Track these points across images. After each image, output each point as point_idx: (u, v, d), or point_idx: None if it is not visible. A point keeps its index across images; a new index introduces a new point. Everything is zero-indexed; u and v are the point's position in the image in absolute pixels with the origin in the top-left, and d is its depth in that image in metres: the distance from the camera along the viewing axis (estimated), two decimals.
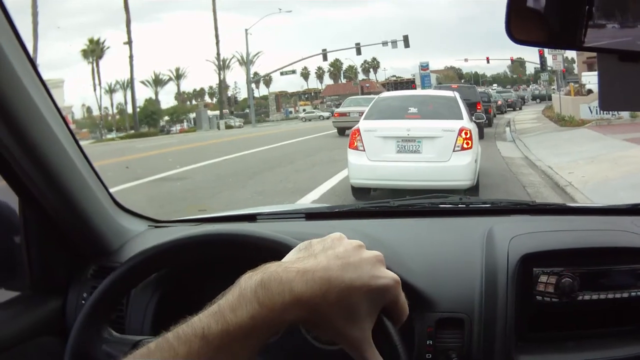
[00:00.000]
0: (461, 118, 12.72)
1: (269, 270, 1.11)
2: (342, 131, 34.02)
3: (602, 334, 2.07)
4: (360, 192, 12.86)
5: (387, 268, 1.21)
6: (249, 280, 1.10)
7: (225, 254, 1.92)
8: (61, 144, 2.06)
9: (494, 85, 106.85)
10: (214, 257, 2.07)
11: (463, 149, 11.80)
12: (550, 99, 60.08)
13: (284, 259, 1.21)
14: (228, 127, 76.96)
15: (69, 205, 2.19)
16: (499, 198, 3.08)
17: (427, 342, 1.96)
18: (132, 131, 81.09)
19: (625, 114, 29.05)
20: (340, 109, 37.04)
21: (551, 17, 1.53)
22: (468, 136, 11.86)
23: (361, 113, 30.01)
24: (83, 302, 2.29)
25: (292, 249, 1.27)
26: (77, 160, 2.16)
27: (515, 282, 2.00)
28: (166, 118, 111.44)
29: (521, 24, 1.55)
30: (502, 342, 1.95)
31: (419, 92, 20.95)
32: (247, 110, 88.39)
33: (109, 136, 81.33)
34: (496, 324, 1.95)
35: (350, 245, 1.20)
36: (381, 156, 12.25)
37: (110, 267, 2.29)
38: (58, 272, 2.38)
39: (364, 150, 12.39)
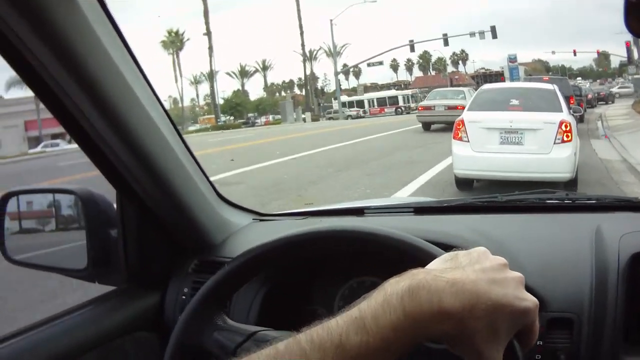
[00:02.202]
0: (561, 111, 12.77)
1: (417, 277, 1.06)
2: (426, 126, 32.74)
3: None
4: (463, 183, 13.12)
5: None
6: (396, 285, 1.05)
7: (343, 250, 1.93)
8: (162, 134, 2.02)
9: (579, 78, 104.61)
10: (327, 253, 2.08)
11: (563, 141, 11.89)
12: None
13: (430, 267, 1.16)
14: (315, 119, 76.77)
15: (171, 198, 2.16)
16: (602, 194, 2.76)
17: (538, 343, 1.83)
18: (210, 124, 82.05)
19: None
20: (425, 102, 34.98)
21: None
22: (568, 129, 11.96)
23: (447, 107, 30.90)
24: (183, 297, 2.28)
25: (435, 257, 1.24)
26: (179, 152, 2.12)
27: (626, 281, 1.88)
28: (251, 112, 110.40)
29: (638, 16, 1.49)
30: (609, 343, 1.84)
31: (518, 84, 20.75)
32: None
33: (191, 128, 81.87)
34: (605, 325, 1.84)
35: (495, 262, 1.15)
36: (485, 147, 12.40)
37: (213, 261, 2.32)
38: (157, 267, 2.35)
39: (469, 141, 12.58)
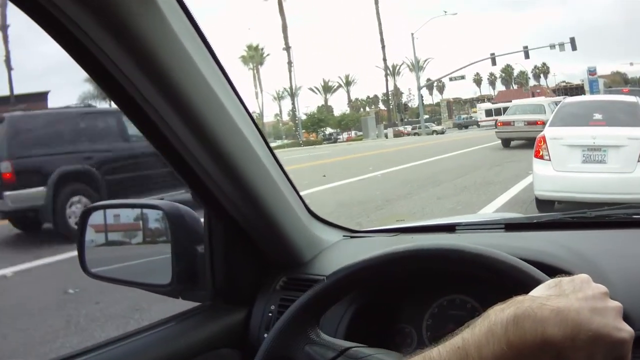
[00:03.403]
0: None
1: (522, 305, 1.05)
2: (506, 142, 31.81)
3: None
4: (544, 204, 12.26)
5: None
6: (500, 313, 1.05)
7: (439, 269, 1.91)
8: (253, 149, 2.02)
9: None
10: (417, 272, 2.07)
11: None
12: None
13: (533, 293, 1.16)
14: (397, 135, 75.78)
15: (261, 214, 2.16)
16: None
17: None
18: (287, 140, 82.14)
19: None
20: (504, 117, 34.02)
21: None
22: None
23: (527, 122, 30.12)
24: (270, 314, 2.27)
25: (539, 283, 1.22)
26: (269, 167, 2.12)
27: None
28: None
29: None
30: None
31: (600, 97, 19.83)
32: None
33: (272, 144, 77.34)
34: None
35: (597, 290, 1.14)
36: (567, 166, 11.76)
37: (302, 279, 2.31)
38: (243, 283, 2.36)
39: (550, 160, 11.98)
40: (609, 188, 10.96)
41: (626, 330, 1.10)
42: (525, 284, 1.31)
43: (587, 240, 2.35)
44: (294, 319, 1.75)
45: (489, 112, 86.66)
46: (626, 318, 1.44)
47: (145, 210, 2.34)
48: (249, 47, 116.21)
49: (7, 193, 13.43)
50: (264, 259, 2.35)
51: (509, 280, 1.53)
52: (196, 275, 2.26)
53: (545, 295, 1.12)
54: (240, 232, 2.22)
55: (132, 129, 15.05)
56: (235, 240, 2.26)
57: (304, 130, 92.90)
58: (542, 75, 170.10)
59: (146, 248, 2.38)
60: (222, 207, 2.13)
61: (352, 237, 2.67)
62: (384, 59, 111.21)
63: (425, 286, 2.26)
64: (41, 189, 13.89)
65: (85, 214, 2.30)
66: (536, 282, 1.26)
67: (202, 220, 2.25)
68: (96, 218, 2.32)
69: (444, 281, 2.19)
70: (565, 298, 1.09)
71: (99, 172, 14.98)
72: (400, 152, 33.75)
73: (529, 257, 1.82)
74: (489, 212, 13.04)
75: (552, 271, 1.35)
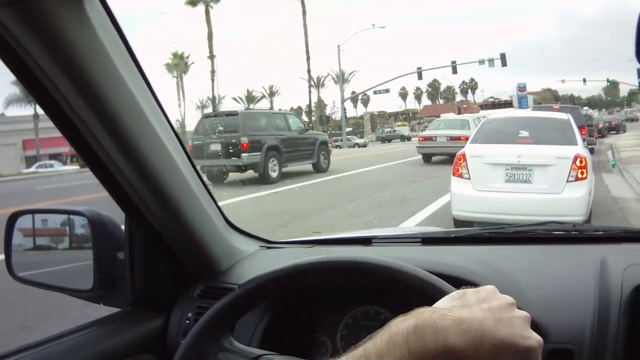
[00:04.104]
0: (575, 144, 11.68)
1: (423, 316, 1.11)
2: (427, 158, 32.51)
3: None
4: (463, 225, 11.59)
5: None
6: (401, 324, 1.10)
7: (350, 281, 1.95)
8: (172, 158, 2.10)
9: (585, 107, 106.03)
10: (331, 283, 2.13)
11: (577, 179, 10.80)
12: None
13: (437, 305, 1.22)
14: None
15: (179, 222, 2.24)
16: (610, 225, 2.97)
17: None
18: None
19: None
20: (426, 132, 34.58)
21: None
22: (583, 164, 10.87)
23: (450, 138, 30.38)
24: (187, 321, 2.35)
25: (445, 294, 1.29)
26: (188, 176, 2.20)
27: (628, 313, 1.94)
28: None
29: None
30: None
31: (530, 113, 19.34)
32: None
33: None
34: (605, 356, 1.89)
35: (503, 301, 1.19)
36: (488, 185, 11.44)
37: (219, 287, 2.38)
38: (162, 290, 2.44)
39: (469, 179, 11.58)
40: (534, 209, 10.67)
41: (533, 339, 1.17)
42: (431, 296, 1.41)
43: (503, 255, 2.46)
44: (206, 327, 1.82)
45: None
46: (540, 330, 1.72)
47: (71, 217, 2.39)
48: (174, 55, 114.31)
49: (243, 154, 24.86)
50: (183, 267, 2.45)
51: (415, 292, 1.62)
52: (117, 282, 2.32)
53: (449, 306, 1.18)
54: (160, 240, 2.31)
55: (293, 124, 29.75)
56: (155, 248, 2.34)
57: None
58: (469, 91, 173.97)
59: (72, 253, 2.44)
60: (142, 215, 2.23)
61: (268, 247, 2.80)
62: (309, 71, 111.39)
63: (341, 297, 2.35)
64: (258, 153, 25.40)
65: (13, 218, 2.37)
66: (442, 294, 1.34)
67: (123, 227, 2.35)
68: (25, 222, 2.39)
69: (359, 292, 2.30)
70: (469, 309, 1.14)
71: (281, 146, 27.09)
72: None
73: (442, 270, 2.01)
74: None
75: (466, 285, 1.35)
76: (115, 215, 2.32)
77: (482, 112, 42.04)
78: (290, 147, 27.92)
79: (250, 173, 25.89)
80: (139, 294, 2.35)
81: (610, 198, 16.81)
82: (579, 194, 10.69)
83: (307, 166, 29.25)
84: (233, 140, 24.90)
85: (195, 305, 2.38)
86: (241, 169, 25.35)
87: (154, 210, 2.19)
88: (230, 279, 2.44)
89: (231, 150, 24.84)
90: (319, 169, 29.46)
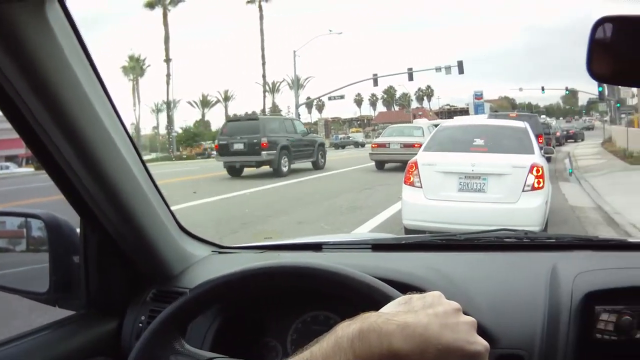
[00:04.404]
0: (532, 152, 11.65)
1: (368, 320, 1.13)
2: (380, 165, 33.27)
3: None
4: (414, 234, 11.05)
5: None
6: (347, 329, 1.12)
7: (298, 286, 1.98)
8: (127, 163, 2.12)
9: (543, 115, 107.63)
10: (282, 288, 2.18)
11: (534, 188, 10.71)
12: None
13: (383, 310, 1.24)
14: None
15: (132, 226, 2.27)
16: (562, 233, 3.10)
17: None
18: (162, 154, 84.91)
19: None
20: (379, 139, 35.62)
21: (630, 55, 1.63)
22: (540, 174, 10.80)
23: (404, 144, 30.96)
24: (140, 324, 2.39)
25: (391, 299, 1.31)
26: (142, 181, 2.23)
27: (578, 320, 1.99)
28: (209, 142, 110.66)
29: (601, 62, 1.66)
30: None
31: (485, 121, 19.13)
32: None
33: (146, 157, 77.69)
34: None
35: (449, 307, 1.21)
36: (440, 194, 11.30)
37: (171, 291, 2.43)
38: (116, 293, 2.46)
39: (421, 187, 11.43)
40: (488, 219, 10.30)
41: (480, 344, 1.18)
42: (378, 301, 1.45)
43: (454, 262, 2.50)
44: (158, 331, 1.84)
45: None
46: (489, 336, 1.91)
47: (28, 219, 2.39)
48: (130, 58, 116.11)
49: (263, 152, 30.36)
50: (136, 270, 2.49)
51: (363, 298, 1.64)
52: (72, 285, 2.34)
53: (394, 311, 1.20)
54: (114, 243, 2.35)
55: (298, 128, 35.54)
56: (109, 252, 2.38)
57: (185, 145, 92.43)
58: (425, 98, 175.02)
59: (28, 256, 2.44)
60: (97, 218, 2.25)
61: (220, 252, 2.83)
62: (264, 76, 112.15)
63: (291, 302, 2.39)
64: (274, 151, 30.85)
65: None
66: (388, 299, 1.36)
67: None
68: None
69: (309, 298, 2.33)
70: (414, 314, 1.16)
71: (290, 146, 32.48)
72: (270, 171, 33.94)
73: (391, 277, 2.07)
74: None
75: (414, 291, 1.35)
76: (72, 218, 2.34)
77: (437, 121, 42.45)
78: (296, 147, 33.53)
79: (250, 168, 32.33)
80: (93, 297, 2.39)
81: (568, 207, 16.95)
82: (535, 204, 10.66)
83: (307, 164, 34.84)
84: (254, 140, 30.71)
85: (148, 308, 2.43)
86: (259, 164, 31.61)
87: (107, 214, 2.23)
88: (182, 283, 2.50)
89: (255, 148, 30.64)
90: (317, 167, 35.57)
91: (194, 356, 1.83)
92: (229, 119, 42.14)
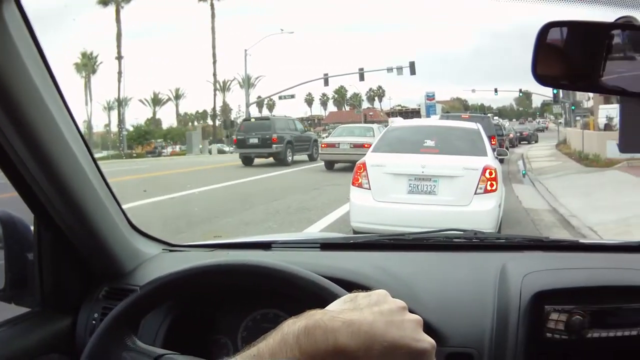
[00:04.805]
0: (485, 154, 11.58)
1: (313, 317, 1.15)
2: (329, 165, 33.76)
3: None
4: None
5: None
6: (292, 325, 1.14)
7: (247, 284, 2.03)
8: (79, 161, 2.18)
9: (496, 117, 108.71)
10: (232, 286, 2.21)
11: (487, 191, 10.60)
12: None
13: (329, 308, 1.26)
14: (220, 152, 75.70)
15: (84, 224, 2.32)
16: (512, 234, 3.27)
17: None
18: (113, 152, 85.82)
19: None
20: (329, 139, 36.70)
21: (575, 60, 1.74)
22: (493, 176, 10.68)
23: (353, 145, 31.21)
24: (93, 321, 2.44)
25: (337, 297, 1.34)
26: (93, 179, 2.29)
27: (527, 319, 2.08)
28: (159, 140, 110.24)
29: (547, 67, 1.73)
30: None
31: (437, 122, 19.03)
32: None
33: (98, 155, 78.16)
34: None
35: (394, 305, 1.23)
36: (389, 196, 11.11)
37: (123, 289, 2.49)
38: (70, 291, 2.51)
39: (370, 189, 11.25)
40: (439, 223, 9.23)
41: (426, 341, 1.20)
42: (323, 299, 1.48)
43: (402, 261, 2.57)
44: (110, 328, 1.87)
45: None
46: (437, 334, 2.01)
47: None
48: (83, 55, 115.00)
49: (274, 145, 37.57)
50: (89, 268, 2.54)
51: (310, 296, 1.67)
52: (27, 282, 2.38)
53: (339, 309, 1.22)
54: (67, 241, 2.41)
55: (298, 126, 44.03)
56: (63, 249, 2.42)
57: (136, 143, 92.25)
58: (377, 98, 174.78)
59: None
60: (50, 216, 2.29)
61: (170, 250, 2.89)
62: (214, 74, 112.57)
63: (242, 299, 2.46)
64: (282, 145, 38.16)
65: None
66: (334, 297, 1.41)
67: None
68: None
69: (259, 295, 2.42)
70: (359, 311, 1.18)
71: (293, 141, 39.81)
72: (219, 170, 36.06)
73: (339, 276, 2.14)
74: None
75: (360, 289, 1.36)
76: (26, 215, 2.37)
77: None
78: (297, 142, 40.80)
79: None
80: (48, 295, 2.43)
81: (522, 209, 17.07)
82: (487, 207, 10.57)
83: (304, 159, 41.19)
84: (267, 136, 37.79)
85: (101, 306, 2.48)
86: (269, 155, 38.29)
87: (60, 211, 2.26)
88: (133, 281, 2.54)
89: (267, 142, 37.67)
90: (311, 159, 41.65)
91: (145, 353, 1.86)
92: (245, 119, 49.98)
